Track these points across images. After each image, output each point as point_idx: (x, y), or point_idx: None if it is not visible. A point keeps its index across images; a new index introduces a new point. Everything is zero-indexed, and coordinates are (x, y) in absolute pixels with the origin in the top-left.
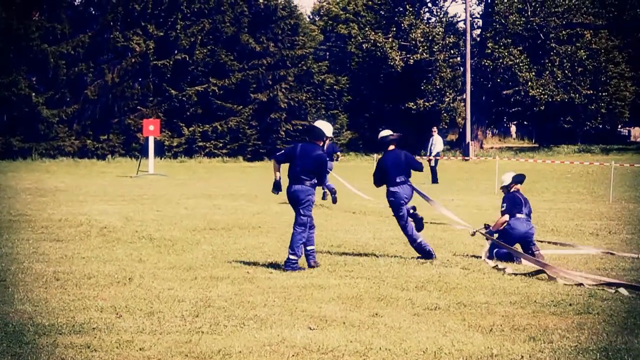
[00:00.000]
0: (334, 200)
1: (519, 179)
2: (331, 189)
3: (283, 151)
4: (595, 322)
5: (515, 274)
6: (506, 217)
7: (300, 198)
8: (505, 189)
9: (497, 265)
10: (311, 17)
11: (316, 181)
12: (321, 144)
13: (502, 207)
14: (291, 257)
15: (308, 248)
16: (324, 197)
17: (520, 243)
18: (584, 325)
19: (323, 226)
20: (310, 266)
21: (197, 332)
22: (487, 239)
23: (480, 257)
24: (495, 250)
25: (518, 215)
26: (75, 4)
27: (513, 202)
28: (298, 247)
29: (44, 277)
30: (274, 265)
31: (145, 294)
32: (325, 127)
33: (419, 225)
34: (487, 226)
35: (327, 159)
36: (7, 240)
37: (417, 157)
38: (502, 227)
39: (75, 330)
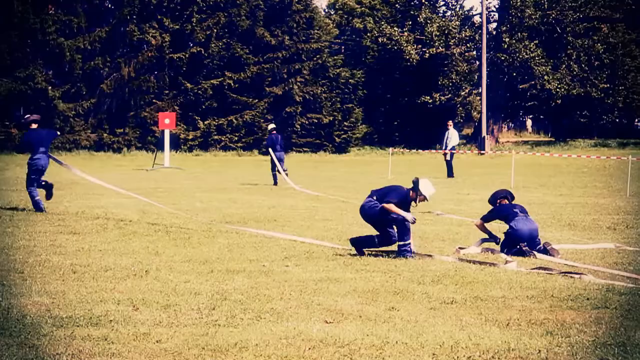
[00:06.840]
0: (283, 173)
1: (502, 194)
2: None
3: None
4: (612, 316)
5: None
6: (478, 221)
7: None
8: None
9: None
10: (326, 10)
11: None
12: (412, 194)
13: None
14: (400, 243)
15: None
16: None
17: (527, 242)
18: (602, 320)
19: (338, 220)
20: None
21: (213, 325)
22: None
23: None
24: (505, 250)
25: (517, 217)
26: None
27: (499, 211)
28: (408, 234)
29: (61, 270)
30: (289, 259)
31: (162, 287)
32: (424, 183)
33: (50, 193)
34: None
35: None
36: (24, 232)
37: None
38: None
39: (93, 322)
